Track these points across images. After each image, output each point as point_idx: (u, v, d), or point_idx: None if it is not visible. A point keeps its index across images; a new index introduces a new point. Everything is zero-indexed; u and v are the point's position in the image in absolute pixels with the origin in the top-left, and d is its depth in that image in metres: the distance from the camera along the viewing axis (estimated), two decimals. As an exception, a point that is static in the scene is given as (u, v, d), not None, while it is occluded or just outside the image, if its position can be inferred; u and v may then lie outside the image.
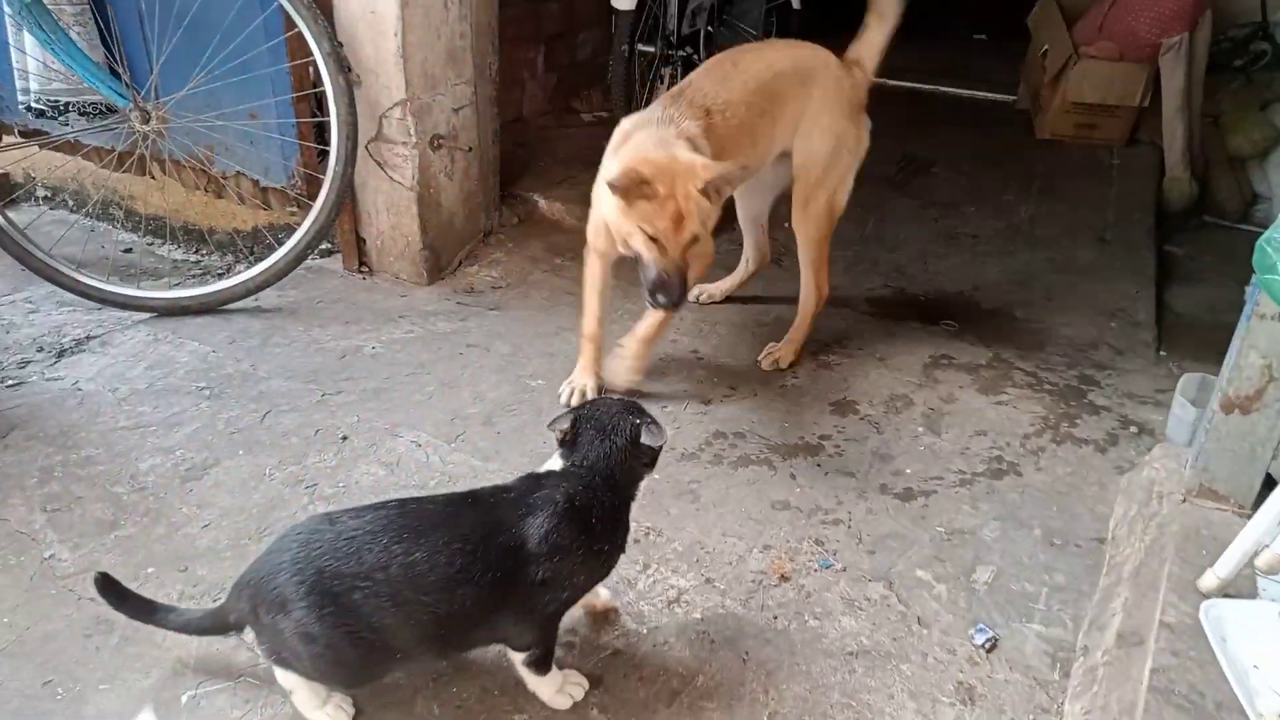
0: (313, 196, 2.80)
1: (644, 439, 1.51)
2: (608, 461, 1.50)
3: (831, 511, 2.08)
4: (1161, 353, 2.85)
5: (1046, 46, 4.39)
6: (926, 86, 5.31)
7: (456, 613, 1.41)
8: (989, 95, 5.17)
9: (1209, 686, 1.47)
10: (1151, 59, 3.98)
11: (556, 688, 1.57)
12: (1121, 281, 3.25)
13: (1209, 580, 1.66)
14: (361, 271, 3.11)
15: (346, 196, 2.83)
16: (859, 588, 1.86)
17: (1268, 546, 1.60)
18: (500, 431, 2.32)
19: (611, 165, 2.16)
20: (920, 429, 2.39)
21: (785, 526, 2.02)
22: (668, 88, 4.04)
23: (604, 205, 2.19)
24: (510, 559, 1.42)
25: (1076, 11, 4.36)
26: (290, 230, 2.89)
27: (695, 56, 4.24)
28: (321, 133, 2.83)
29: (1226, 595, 1.64)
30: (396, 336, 2.73)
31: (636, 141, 2.16)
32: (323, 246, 3.08)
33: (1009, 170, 4.17)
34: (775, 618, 1.78)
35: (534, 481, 1.52)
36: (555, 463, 1.55)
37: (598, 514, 1.48)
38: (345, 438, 2.27)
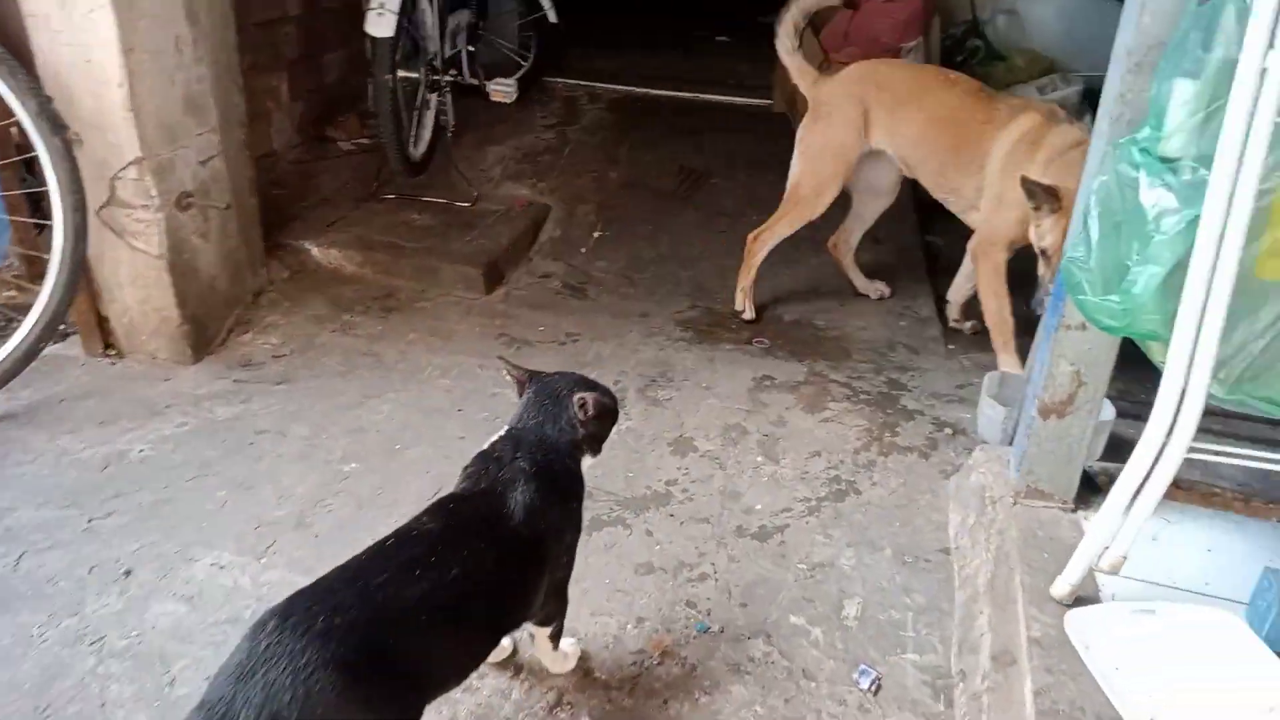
0: (37, 279, 2.33)
1: (582, 406, 1.54)
2: (554, 422, 1.55)
3: (695, 566, 2.01)
4: (950, 347, 3.05)
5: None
6: (687, 94, 5.41)
7: (495, 616, 1.45)
8: (747, 101, 5.35)
9: (1088, 699, 1.53)
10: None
11: (567, 650, 1.70)
12: (901, 279, 3.45)
13: (1061, 588, 1.75)
14: (109, 355, 2.65)
15: (80, 275, 2.38)
16: (740, 648, 1.80)
17: (1108, 548, 1.72)
18: (319, 534, 2.04)
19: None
20: (759, 458, 2.38)
21: (654, 592, 1.93)
22: (436, 114, 3.81)
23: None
24: (518, 543, 1.44)
25: (822, 19, 4.59)
26: (11, 322, 2.39)
27: (460, 78, 4.03)
28: (39, 204, 2.35)
29: (1079, 599, 1.74)
30: (168, 433, 2.34)
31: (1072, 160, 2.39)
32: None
33: (780, 175, 4.31)
34: (665, 702, 1.68)
35: (492, 461, 1.52)
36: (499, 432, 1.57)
37: (558, 466, 1.53)
38: (128, 572, 1.90)
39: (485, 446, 1.56)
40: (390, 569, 1.31)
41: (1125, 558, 1.71)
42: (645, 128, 4.78)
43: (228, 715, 1.10)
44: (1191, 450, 1.64)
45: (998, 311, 2.71)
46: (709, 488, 2.26)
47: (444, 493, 1.53)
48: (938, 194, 2.86)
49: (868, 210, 3.22)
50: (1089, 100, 4.41)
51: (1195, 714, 1.51)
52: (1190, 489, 2.10)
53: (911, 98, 2.81)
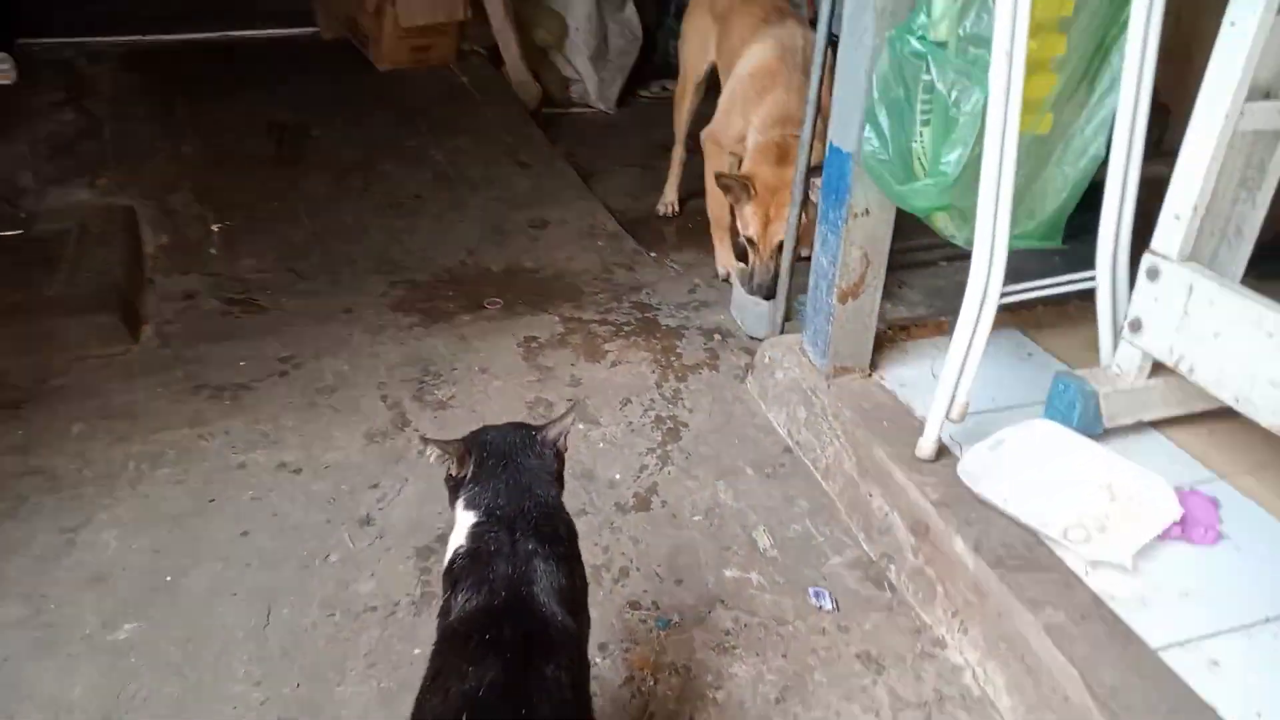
0: None
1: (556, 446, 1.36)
2: (536, 478, 1.31)
3: (610, 564, 1.85)
4: (653, 255, 3.10)
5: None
6: (215, 35, 4.56)
7: None
8: (289, 31, 4.67)
9: (1010, 533, 1.75)
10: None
11: None
12: (566, 199, 3.39)
13: (925, 448, 1.94)
14: None
15: None
16: (710, 627, 1.73)
17: (954, 400, 1.93)
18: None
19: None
20: (581, 425, 2.23)
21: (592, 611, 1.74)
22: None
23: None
24: (569, 639, 1.20)
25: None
26: None
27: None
28: None
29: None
30: None
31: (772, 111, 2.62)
32: None
33: (388, 115, 3.91)
34: (691, 717, 1.56)
35: (492, 559, 1.22)
36: (464, 518, 1.27)
37: (560, 522, 1.31)
38: None
39: (464, 544, 1.24)
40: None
41: (968, 404, 1.95)
42: (189, 85, 3.96)
43: None
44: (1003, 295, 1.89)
45: (716, 209, 2.82)
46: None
47: (432, 618, 1.20)
48: None
49: None
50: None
51: (1072, 504, 1.80)
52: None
53: (727, 9, 2.90)
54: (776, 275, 2.49)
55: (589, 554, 1.83)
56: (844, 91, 1.98)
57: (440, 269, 2.92)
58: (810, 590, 1.80)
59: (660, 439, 2.21)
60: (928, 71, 1.78)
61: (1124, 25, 1.84)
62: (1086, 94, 1.91)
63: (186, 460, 2.06)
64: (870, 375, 2.26)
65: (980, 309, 1.88)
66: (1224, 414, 2.08)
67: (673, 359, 2.51)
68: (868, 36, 1.85)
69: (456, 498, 1.34)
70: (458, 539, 1.29)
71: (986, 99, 1.72)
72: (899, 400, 2.17)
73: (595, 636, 1.64)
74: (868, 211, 2.04)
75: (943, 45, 1.76)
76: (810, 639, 1.70)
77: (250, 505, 1.95)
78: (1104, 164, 1.96)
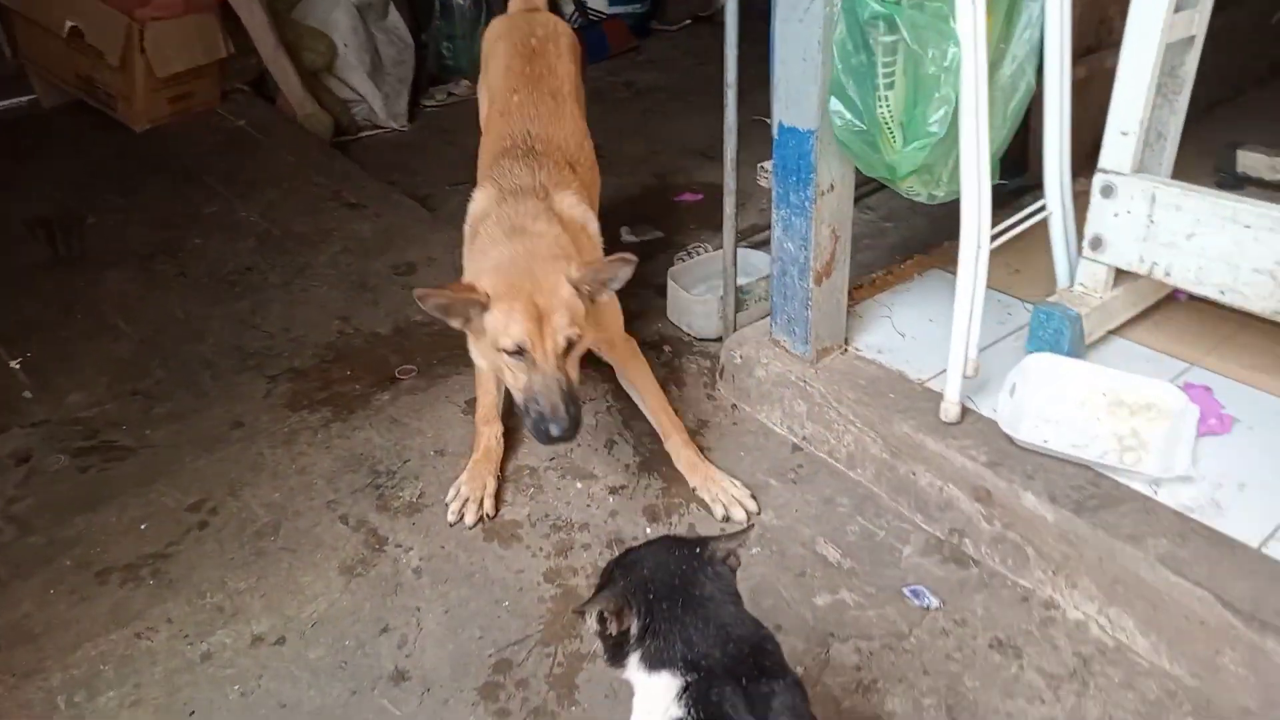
0: None
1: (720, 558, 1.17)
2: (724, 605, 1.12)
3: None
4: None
5: (72, 24, 3.39)
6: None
7: None
8: (-5, 106, 3.85)
9: (1070, 474, 1.74)
10: (214, 4, 3.46)
11: None
12: (419, 234, 3.05)
13: (950, 412, 1.90)
14: None
15: None
16: (836, 665, 1.59)
17: (967, 359, 1.91)
18: None
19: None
20: (578, 483, 1.99)
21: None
22: None
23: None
24: None
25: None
26: None
27: None
28: None
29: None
30: None
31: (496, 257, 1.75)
32: None
33: (168, 180, 3.32)
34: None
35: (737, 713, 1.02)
36: (663, 683, 1.06)
37: (766, 643, 1.12)
38: None
39: (681, 713, 1.02)
40: None
41: (978, 357, 1.93)
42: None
43: None
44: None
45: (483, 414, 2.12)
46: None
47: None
48: None
49: None
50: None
51: (1104, 428, 1.84)
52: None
53: (493, 95, 2.36)
54: (573, 391, 1.70)
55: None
56: (789, 68, 1.85)
57: (319, 347, 2.52)
58: (906, 591, 1.72)
59: (663, 479, 2.02)
60: (889, 32, 1.70)
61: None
62: (1009, 30, 1.91)
63: (131, 672, 1.61)
64: (846, 350, 2.20)
65: (977, 259, 1.85)
66: (1159, 305, 2.23)
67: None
68: (817, 5, 1.73)
69: (624, 658, 1.11)
70: (662, 710, 1.06)
71: (960, 50, 1.67)
72: (887, 368, 2.12)
73: None
74: (833, 187, 1.95)
75: (898, 3, 1.68)
76: (937, 644, 1.61)
77: (243, 703, 1.56)
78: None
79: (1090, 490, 1.71)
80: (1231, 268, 1.80)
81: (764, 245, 2.67)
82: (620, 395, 2.24)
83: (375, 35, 4.28)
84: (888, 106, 1.77)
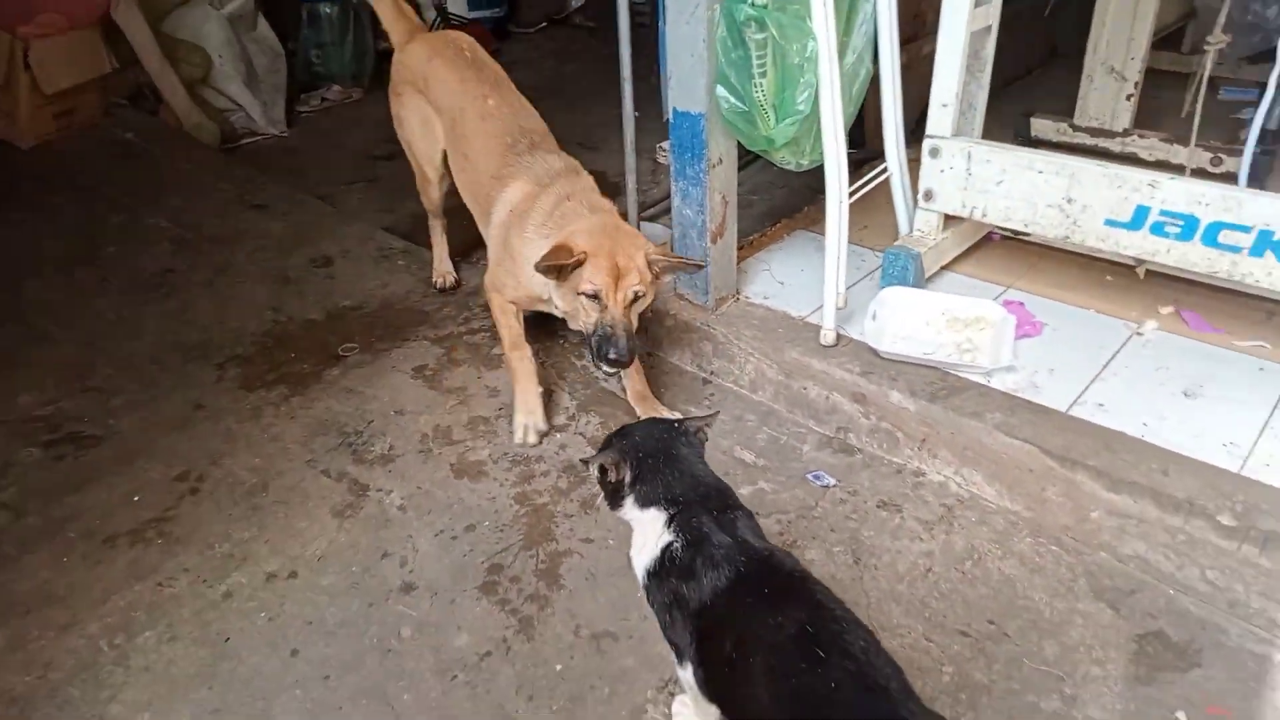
0: None
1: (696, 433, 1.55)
2: (698, 477, 1.48)
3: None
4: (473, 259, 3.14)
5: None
6: None
7: None
8: None
9: (923, 375, 2.22)
10: (99, 18, 3.52)
11: None
12: (329, 228, 3.26)
13: (828, 337, 2.35)
14: None
15: None
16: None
17: (838, 293, 2.36)
18: None
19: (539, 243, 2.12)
20: (532, 437, 2.32)
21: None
22: None
23: (535, 282, 2.14)
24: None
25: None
26: None
27: None
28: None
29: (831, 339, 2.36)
30: None
31: (565, 211, 2.15)
32: None
33: (69, 195, 3.37)
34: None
35: (712, 536, 1.40)
36: (653, 516, 1.43)
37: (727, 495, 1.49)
38: None
39: (673, 538, 1.40)
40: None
41: (846, 292, 2.39)
42: None
43: None
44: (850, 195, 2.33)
45: (505, 333, 2.38)
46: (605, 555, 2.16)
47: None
48: (475, 207, 2.55)
49: None
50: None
51: (944, 337, 2.33)
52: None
53: (454, 108, 2.48)
54: (632, 331, 2.05)
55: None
56: (680, 62, 2.23)
57: (257, 335, 2.71)
58: (809, 476, 2.14)
59: (600, 416, 2.37)
60: (760, 30, 2.11)
61: (869, -34, 2.31)
62: (849, 27, 2.37)
63: (162, 614, 1.82)
64: (738, 298, 2.61)
65: (840, 211, 2.30)
66: (979, 245, 2.77)
67: (561, 343, 2.64)
68: (700, 9, 2.12)
69: (621, 500, 1.47)
70: (655, 536, 1.42)
71: (816, 44, 2.11)
72: (773, 309, 2.55)
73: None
74: (721, 160, 2.35)
75: (765, 7, 2.10)
76: (838, 510, 2.04)
77: (273, 626, 1.80)
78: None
79: (940, 384, 2.19)
80: (1031, 205, 2.32)
81: (656, 219, 3.07)
82: (554, 352, 2.57)
83: (247, 46, 4.39)
84: (762, 91, 2.19)
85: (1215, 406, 2.06)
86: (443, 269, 2.95)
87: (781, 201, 3.27)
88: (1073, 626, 1.75)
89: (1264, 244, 1.98)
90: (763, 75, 2.17)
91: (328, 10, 4.81)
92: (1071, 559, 1.89)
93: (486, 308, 2.81)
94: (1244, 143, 2.58)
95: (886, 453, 2.20)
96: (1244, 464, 1.89)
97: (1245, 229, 2.00)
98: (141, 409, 2.39)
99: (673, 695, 1.64)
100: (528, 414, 2.30)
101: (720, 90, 2.18)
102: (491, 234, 2.39)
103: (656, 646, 1.71)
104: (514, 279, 2.27)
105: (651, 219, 2.95)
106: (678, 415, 2.30)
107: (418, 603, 1.84)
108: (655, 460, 1.46)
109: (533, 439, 2.28)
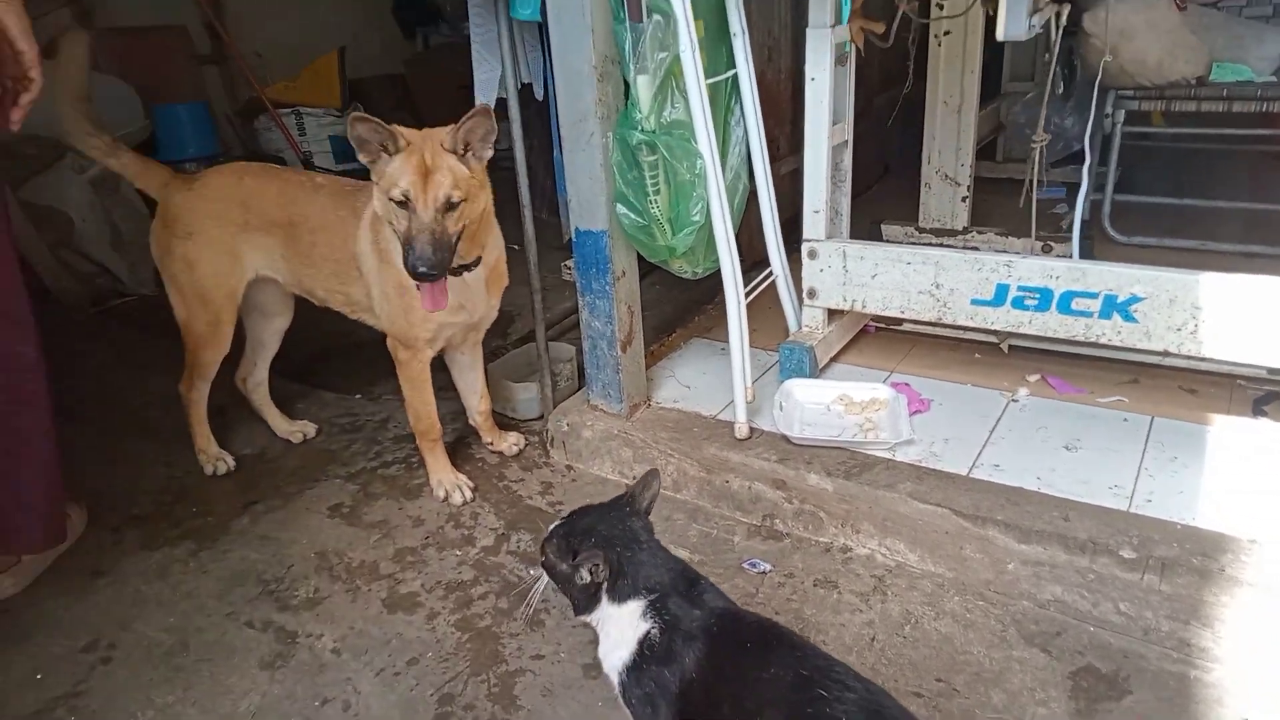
0: None
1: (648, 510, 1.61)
2: (664, 558, 1.54)
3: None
4: (357, 396, 3.11)
5: None
6: None
7: None
8: None
9: (835, 456, 2.35)
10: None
11: None
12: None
13: (741, 431, 2.47)
14: None
15: None
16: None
17: (747, 388, 2.49)
18: None
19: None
20: (456, 552, 2.28)
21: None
22: None
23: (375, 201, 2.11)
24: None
25: None
26: None
27: None
28: None
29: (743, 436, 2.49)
30: None
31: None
32: None
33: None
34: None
35: (687, 614, 1.45)
36: (629, 610, 1.46)
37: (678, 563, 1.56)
38: None
39: (650, 625, 1.44)
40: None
41: (753, 386, 2.53)
42: None
43: None
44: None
45: (426, 414, 2.47)
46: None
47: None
48: (337, 300, 2.50)
49: (267, 334, 2.78)
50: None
51: (845, 419, 2.49)
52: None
53: (284, 213, 2.43)
54: (446, 242, 2.00)
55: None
56: (580, 185, 2.38)
57: (154, 493, 2.59)
58: (745, 564, 2.20)
59: (533, 533, 2.37)
60: (651, 153, 2.30)
61: (736, 94, 2.57)
62: (725, 149, 2.60)
63: None
64: (650, 404, 2.71)
65: (739, 311, 2.46)
66: (857, 339, 3.00)
67: (479, 464, 2.64)
68: (595, 138, 2.29)
69: (596, 601, 1.49)
70: (632, 629, 1.45)
71: (704, 161, 2.31)
72: (685, 411, 2.66)
73: None
74: (625, 273, 2.49)
75: (654, 132, 2.29)
76: (778, 593, 2.10)
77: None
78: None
79: (852, 463, 2.33)
80: (904, 294, 2.56)
81: (564, 335, 3.16)
82: (476, 475, 2.57)
83: (111, 209, 4.32)
84: (658, 207, 2.36)
85: (1094, 456, 2.28)
86: (214, 450, 2.68)
87: (672, 314, 3.44)
88: (1013, 673, 1.84)
89: (1110, 307, 2.26)
90: (656, 193, 2.35)
91: (191, 168, 4.82)
92: (999, 610, 2.00)
93: (398, 440, 2.81)
94: (1067, 230, 2.96)
95: (813, 533, 2.29)
96: (1130, 502, 2.09)
97: (1093, 295, 2.27)
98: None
99: (653, 798, 1.60)
100: (451, 474, 2.49)
101: (620, 208, 2.33)
102: (373, 281, 2.34)
103: (628, 751, 1.69)
104: (413, 303, 2.20)
105: (557, 337, 3.04)
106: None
107: (369, 748, 1.75)
108: (629, 551, 1.49)
109: (457, 499, 2.47)
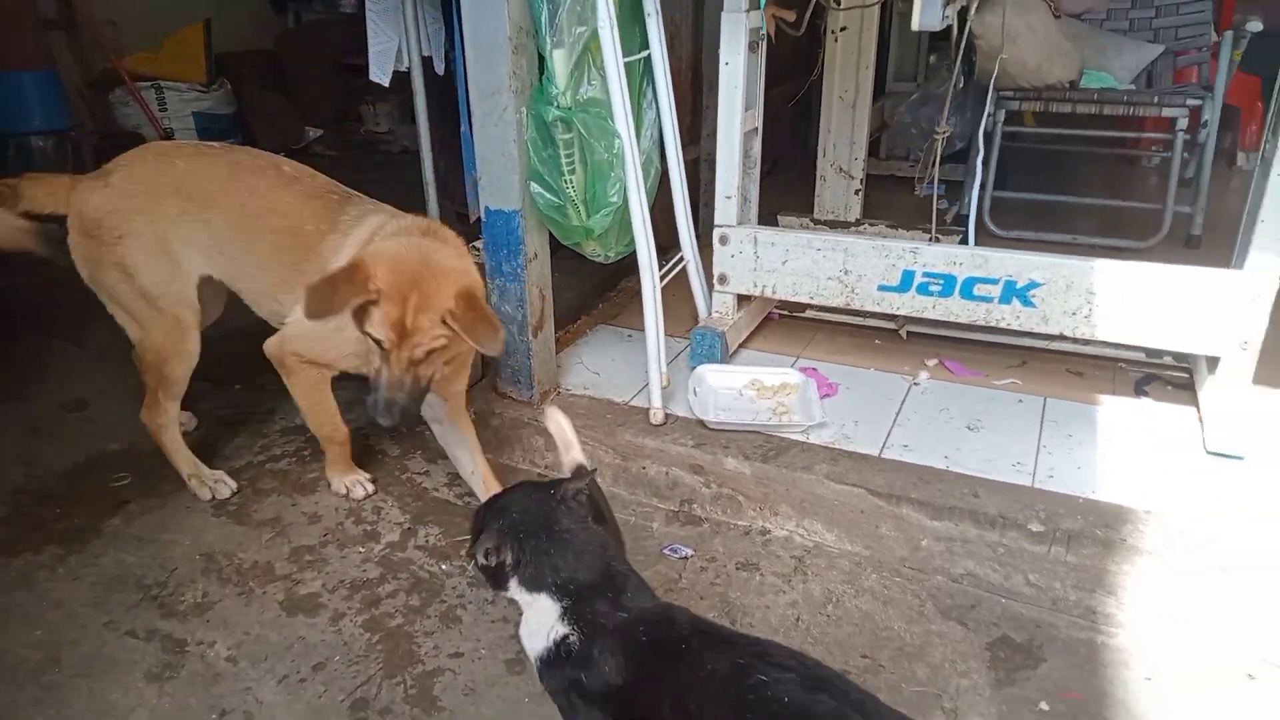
0: None
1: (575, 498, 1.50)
2: (586, 553, 1.44)
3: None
4: (237, 386, 2.90)
5: None
6: None
7: None
8: None
9: (751, 440, 2.35)
10: None
11: None
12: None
13: (657, 417, 2.43)
14: None
15: None
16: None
17: (662, 373, 2.46)
18: None
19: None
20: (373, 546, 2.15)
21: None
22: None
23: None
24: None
25: None
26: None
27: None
28: None
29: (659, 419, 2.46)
30: None
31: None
32: None
33: None
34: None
35: (609, 614, 1.37)
36: (544, 605, 1.39)
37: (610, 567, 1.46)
38: None
39: (566, 629, 1.37)
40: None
41: (667, 370, 2.50)
42: None
43: None
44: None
45: (327, 420, 2.28)
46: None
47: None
48: (265, 310, 2.25)
49: None
50: None
51: (757, 404, 2.49)
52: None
53: (232, 201, 2.14)
54: (416, 392, 1.88)
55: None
56: (491, 163, 2.28)
57: (8, 494, 2.32)
58: (666, 550, 2.16)
59: (441, 526, 2.25)
60: (567, 130, 2.22)
61: (649, 76, 2.53)
62: (639, 131, 2.55)
63: None
64: (560, 392, 2.63)
65: (655, 294, 2.42)
66: (762, 326, 3.02)
67: (378, 458, 2.50)
68: (509, 113, 2.20)
69: (505, 583, 1.43)
70: (548, 626, 1.39)
71: (621, 141, 2.25)
72: (596, 398, 2.60)
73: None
74: (536, 255, 2.40)
75: (570, 109, 2.22)
76: (701, 578, 2.07)
77: None
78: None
79: (768, 446, 2.32)
80: (814, 279, 2.58)
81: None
82: (376, 468, 2.42)
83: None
84: (573, 187, 2.29)
85: (995, 436, 2.36)
86: (208, 472, 2.36)
87: (575, 300, 3.36)
88: (933, 647, 1.88)
89: (1009, 292, 2.35)
90: (571, 172, 2.28)
91: (40, 144, 4.41)
92: (915, 586, 2.04)
93: (286, 432, 2.63)
94: (950, 224, 3.07)
95: (732, 517, 2.28)
96: (1034, 478, 2.17)
97: (994, 281, 2.36)
98: None
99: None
100: (352, 471, 2.35)
101: (535, 187, 2.25)
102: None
103: (561, 745, 1.62)
104: (349, 337, 1.96)
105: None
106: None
107: (277, 759, 1.61)
108: (538, 539, 1.42)
109: (359, 493, 2.33)
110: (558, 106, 2.19)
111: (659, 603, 1.46)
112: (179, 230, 2.14)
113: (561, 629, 1.37)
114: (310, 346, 2.11)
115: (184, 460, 2.34)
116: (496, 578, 1.43)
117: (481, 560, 1.41)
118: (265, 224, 2.14)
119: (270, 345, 2.16)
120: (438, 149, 3.62)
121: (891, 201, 4.35)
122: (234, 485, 2.36)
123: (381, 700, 1.73)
